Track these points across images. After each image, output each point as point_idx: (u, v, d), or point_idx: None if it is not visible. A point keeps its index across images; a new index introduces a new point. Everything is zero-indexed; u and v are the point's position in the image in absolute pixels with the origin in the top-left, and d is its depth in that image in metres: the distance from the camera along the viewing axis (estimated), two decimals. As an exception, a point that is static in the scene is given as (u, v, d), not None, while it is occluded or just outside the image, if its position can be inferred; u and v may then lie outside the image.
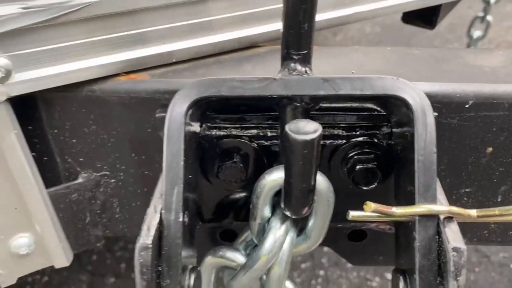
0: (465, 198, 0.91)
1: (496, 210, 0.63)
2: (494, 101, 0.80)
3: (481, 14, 2.18)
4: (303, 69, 0.70)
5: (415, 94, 0.68)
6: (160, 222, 0.67)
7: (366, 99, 0.71)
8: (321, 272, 2.54)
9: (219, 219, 0.92)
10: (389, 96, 0.68)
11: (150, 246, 0.63)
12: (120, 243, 2.67)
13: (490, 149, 0.86)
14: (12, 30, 0.70)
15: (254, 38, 0.91)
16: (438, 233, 0.66)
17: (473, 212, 0.66)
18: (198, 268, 0.74)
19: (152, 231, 0.65)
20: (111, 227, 1.00)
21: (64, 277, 2.48)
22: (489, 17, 2.19)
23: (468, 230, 0.98)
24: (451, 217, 0.66)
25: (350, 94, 0.68)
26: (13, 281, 0.95)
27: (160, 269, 0.67)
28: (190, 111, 0.70)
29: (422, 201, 0.66)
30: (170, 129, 0.69)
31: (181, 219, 0.67)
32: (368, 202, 0.64)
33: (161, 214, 0.68)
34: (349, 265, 2.59)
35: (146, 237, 0.64)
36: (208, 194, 0.88)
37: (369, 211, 0.65)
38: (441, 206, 0.65)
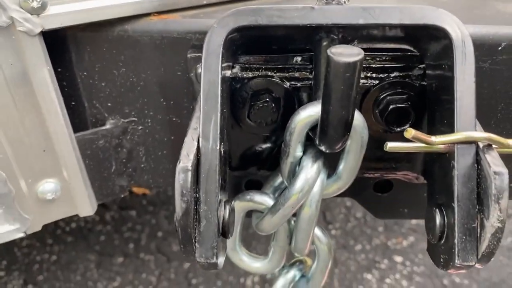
0: None
1: (537, 136, 0.63)
2: (527, 43, 0.80)
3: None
4: (342, -1, 0.70)
5: (454, 24, 0.68)
6: (198, 151, 0.67)
7: (400, 32, 0.71)
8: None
9: (246, 167, 0.92)
10: (428, 26, 0.68)
11: (190, 168, 0.63)
12: (129, 224, 2.67)
13: (521, 95, 0.85)
14: (49, -41, 0.70)
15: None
16: (477, 161, 0.65)
17: (512, 141, 0.66)
18: (233, 203, 0.74)
19: (191, 157, 0.65)
20: (136, 177, 0.99)
21: (72, 256, 2.47)
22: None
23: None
24: (491, 145, 0.66)
25: (389, 23, 0.68)
26: (39, 228, 0.95)
27: (197, 195, 0.67)
28: (227, 41, 0.69)
29: (462, 130, 0.66)
30: (208, 58, 0.68)
31: (218, 148, 0.67)
32: (409, 129, 0.64)
33: (198, 143, 0.68)
34: (357, 247, 2.59)
35: (186, 160, 0.64)
36: (236, 140, 0.88)
37: (409, 137, 0.64)
38: (480, 133, 0.65)
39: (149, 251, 2.51)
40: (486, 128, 0.89)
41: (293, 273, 0.96)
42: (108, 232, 2.62)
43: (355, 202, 3.01)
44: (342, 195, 0.99)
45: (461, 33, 0.67)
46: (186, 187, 0.63)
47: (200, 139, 0.68)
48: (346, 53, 0.61)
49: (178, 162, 0.64)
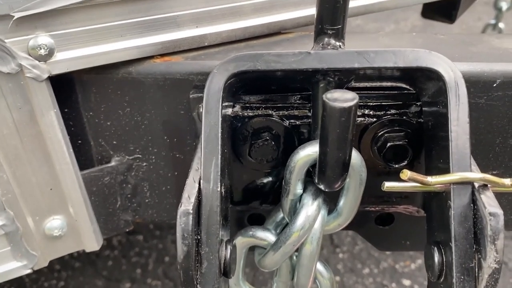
0: None
1: (531, 177, 0.64)
2: (521, 79, 0.81)
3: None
4: (337, 43, 0.72)
5: (447, 66, 0.69)
6: (199, 193, 0.69)
7: (397, 72, 0.73)
8: (337, 278, 2.52)
9: (248, 202, 0.93)
10: (422, 68, 0.70)
11: (191, 212, 0.65)
12: (136, 249, 2.68)
13: (518, 129, 0.87)
14: (55, 10, 0.73)
15: (283, 24, 0.93)
16: (473, 201, 0.66)
17: (507, 181, 0.67)
18: (233, 242, 0.75)
19: (192, 199, 0.66)
20: (140, 212, 1.01)
21: (80, 282, 2.48)
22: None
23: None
24: (486, 185, 0.67)
25: (384, 66, 0.70)
26: (45, 264, 0.97)
27: (199, 237, 0.68)
28: (227, 85, 0.72)
29: (457, 170, 0.67)
30: (209, 101, 0.71)
31: (219, 189, 0.69)
32: (405, 170, 0.66)
33: (199, 184, 0.69)
34: (365, 270, 2.57)
35: (187, 203, 0.65)
36: (238, 176, 0.90)
37: (405, 178, 0.66)
38: (475, 173, 0.66)
39: (156, 277, 2.51)
40: (485, 162, 0.91)
41: (297, 307, 0.97)
42: (115, 257, 2.63)
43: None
44: (344, 228, 1.00)
45: (454, 75, 0.69)
46: (187, 230, 0.64)
47: (201, 181, 0.69)
48: (341, 99, 0.63)
49: (180, 205, 0.65)
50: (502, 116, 0.85)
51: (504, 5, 2.34)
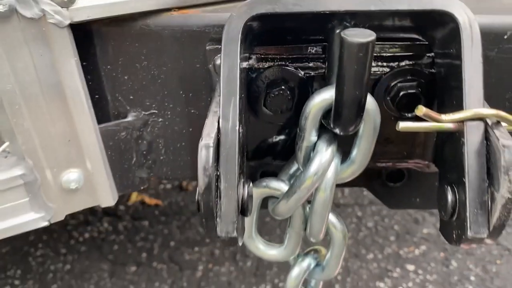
0: None
1: (544, 112, 0.66)
2: (532, 31, 0.83)
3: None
4: (354, -13, 0.74)
5: (461, 8, 0.71)
6: (218, 131, 0.71)
7: (409, 21, 0.75)
8: (341, 263, 2.54)
9: (261, 156, 0.95)
10: (436, 11, 0.72)
11: (212, 145, 0.66)
12: (141, 234, 2.69)
13: (528, 83, 0.88)
14: (79, -44, 0.75)
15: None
16: (486, 138, 0.68)
17: (520, 119, 0.68)
18: (251, 184, 0.76)
19: (212, 135, 0.68)
20: (155, 169, 1.03)
21: (85, 266, 2.50)
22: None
23: None
24: (499, 122, 0.68)
25: (399, 9, 0.72)
26: (62, 217, 0.98)
27: (218, 173, 0.70)
28: (246, 29, 0.73)
29: (471, 108, 0.69)
30: (228, 44, 0.73)
31: (237, 128, 0.71)
32: (420, 106, 0.68)
33: (218, 123, 0.71)
34: (369, 256, 2.58)
35: (208, 138, 0.67)
36: (253, 130, 0.91)
37: (420, 114, 0.67)
38: (489, 109, 0.68)
39: (162, 260, 2.52)
40: (495, 117, 0.92)
41: (308, 261, 0.98)
42: (121, 241, 2.65)
43: (366, 212, 3.02)
44: (356, 185, 1.02)
45: (468, 17, 0.71)
46: (208, 162, 0.66)
47: (221, 120, 0.71)
48: (359, 34, 0.65)
49: (200, 140, 0.67)
50: (512, 69, 0.87)
51: None
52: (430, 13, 0.73)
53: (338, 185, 0.95)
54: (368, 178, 1.02)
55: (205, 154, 0.66)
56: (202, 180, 0.66)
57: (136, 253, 2.57)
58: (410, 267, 2.51)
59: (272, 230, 2.65)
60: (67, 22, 0.79)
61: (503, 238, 2.70)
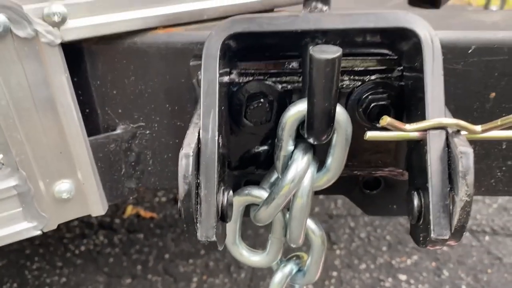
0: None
1: (499, 121, 0.71)
2: (494, 46, 0.89)
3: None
4: (324, 7, 0.80)
5: (422, 25, 0.77)
6: (198, 142, 0.76)
7: (378, 37, 0.80)
8: (334, 273, 2.57)
9: (244, 167, 1.00)
10: (400, 28, 0.77)
11: (191, 155, 0.71)
12: (136, 246, 2.73)
13: (493, 94, 0.94)
14: (69, -20, 0.81)
15: (276, 1, 1.01)
16: (447, 145, 0.73)
17: (478, 127, 0.74)
18: (230, 191, 0.81)
19: (192, 145, 0.73)
20: (143, 180, 1.08)
21: (81, 279, 2.53)
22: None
23: (476, 180, 1.04)
24: (459, 131, 0.74)
25: (366, 27, 0.77)
26: (54, 226, 1.02)
27: (198, 181, 0.75)
28: (224, 46, 0.79)
29: (432, 117, 0.74)
30: (207, 59, 0.78)
31: (216, 138, 0.76)
32: (385, 116, 0.73)
33: (199, 134, 0.76)
34: (362, 266, 2.62)
35: (188, 148, 0.72)
36: (235, 142, 0.96)
37: (385, 124, 0.72)
38: (449, 119, 0.73)
39: (157, 273, 2.55)
40: (464, 126, 0.97)
41: (290, 267, 1.03)
42: (116, 254, 2.68)
43: (358, 223, 3.05)
44: (335, 192, 1.07)
45: (429, 33, 0.77)
46: (187, 171, 0.71)
47: (201, 130, 0.76)
48: (326, 51, 0.70)
49: (181, 149, 0.72)
50: (478, 81, 0.93)
51: (493, 8, 2.45)
52: (395, 30, 0.79)
53: (318, 192, 1.00)
54: (347, 186, 1.06)
55: (185, 162, 0.71)
56: (182, 188, 0.71)
57: (131, 266, 2.60)
58: (402, 277, 2.54)
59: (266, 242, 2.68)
60: (59, 41, 0.84)
61: (494, 247, 2.74)
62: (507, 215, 2.96)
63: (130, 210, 2.98)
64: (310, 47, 0.71)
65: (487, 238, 2.80)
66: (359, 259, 2.66)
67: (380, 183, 1.05)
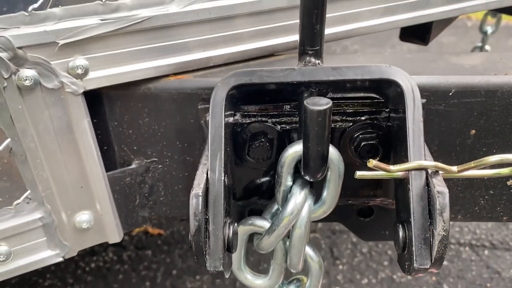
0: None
1: (472, 163, 0.80)
2: (472, 89, 0.98)
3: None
4: (317, 61, 0.90)
5: (403, 76, 0.87)
6: (207, 181, 0.86)
7: (366, 83, 0.90)
8: (329, 289, 2.65)
9: (248, 197, 1.10)
10: (384, 80, 0.87)
11: (201, 195, 0.81)
12: (145, 263, 2.82)
13: (473, 131, 1.03)
14: (91, 37, 0.92)
15: (275, 47, 1.12)
16: (427, 184, 0.83)
17: (454, 168, 0.83)
18: (235, 224, 0.91)
19: (202, 185, 0.83)
20: (156, 209, 1.17)
21: (92, 295, 2.62)
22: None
23: (461, 207, 1.14)
24: (437, 171, 0.83)
25: (353, 78, 0.87)
26: (75, 253, 1.12)
27: (207, 217, 0.84)
28: (229, 95, 0.89)
29: (414, 159, 0.84)
30: (214, 108, 0.88)
31: (222, 178, 0.85)
32: (371, 159, 0.82)
33: (207, 175, 0.86)
34: (364, 281, 2.69)
35: (198, 188, 0.82)
36: (240, 175, 1.06)
37: (371, 166, 0.82)
38: (429, 162, 0.82)
39: (165, 288, 2.64)
40: (448, 160, 1.07)
41: (291, 289, 1.12)
42: (125, 271, 2.77)
43: (360, 239, 3.12)
44: (332, 220, 1.16)
45: (410, 84, 0.86)
46: (198, 209, 0.81)
47: (209, 171, 0.86)
48: (318, 103, 0.80)
49: (192, 190, 0.82)
50: (459, 120, 1.02)
51: (489, 29, 2.55)
52: (381, 81, 0.88)
53: (317, 221, 1.10)
54: (343, 214, 1.16)
55: (195, 202, 0.81)
56: (193, 224, 0.81)
57: (140, 282, 2.69)
58: (403, 291, 2.62)
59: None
60: (81, 90, 0.95)
61: (493, 261, 2.81)
62: (506, 230, 3.03)
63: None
64: (305, 100, 0.81)
65: (486, 252, 2.87)
66: (361, 274, 2.74)
67: (373, 211, 1.14)
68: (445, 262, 2.80)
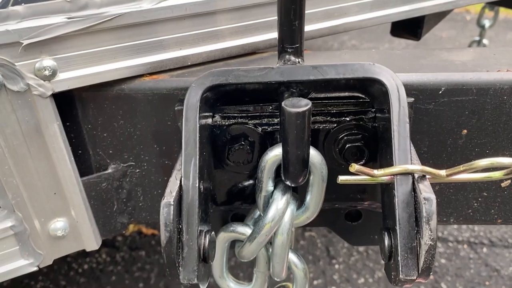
0: None
1: (461, 167, 0.75)
2: (463, 87, 0.93)
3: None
4: (297, 59, 0.85)
5: (388, 75, 0.81)
6: (180, 188, 0.81)
7: (350, 82, 0.85)
8: (333, 288, 2.60)
9: (230, 202, 1.05)
10: (367, 78, 0.82)
11: (172, 203, 0.76)
12: (138, 264, 2.77)
13: (465, 131, 0.98)
14: (58, 36, 0.87)
15: (256, 45, 1.06)
16: (414, 190, 0.77)
17: (442, 172, 0.78)
18: (212, 233, 0.86)
19: (174, 193, 0.78)
20: (135, 215, 1.13)
21: (84, 297, 2.58)
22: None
23: (454, 210, 1.09)
24: (424, 176, 0.78)
25: (335, 78, 0.82)
26: (50, 262, 1.08)
27: (180, 226, 0.79)
28: (204, 97, 0.84)
29: (399, 163, 0.79)
30: (188, 111, 0.83)
31: (197, 185, 0.80)
32: (353, 164, 0.77)
33: (180, 181, 0.81)
34: (360, 280, 2.65)
35: (169, 197, 0.77)
36: (221, 179, 1.01)
37: (353, 171, 0.77)
38: (415, 165, 0.77)
39: (158, 290, 2.60)
40: (439, 161, 1.02)
41: (276, 297, 1.07)
42: (118, 272, 2.73)
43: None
44: (319, 225, 1.11)
45: (395, 82, 0.81)
46: (169, 219, 0.76)
47: (182, 178, 0.81)
48: (297, 105, 0.75)
49: (163, 198, 0.77)
50: (450, 119, 0.97)
51: (486, 23, 2.49)
52: (363, 80, 0.83)
53: (302, 227, 1.05)
54: (330, 218, 1.11)
55: (166, 211, 0.76)
56: (164, 235, 0.76)
57: (134, 284, 2.65)
58: (400, 291, 2.57)
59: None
60: (50, 93, 0.90)
61: (491, 259, 2.77)
62: (505, 227, 2.98)
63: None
64: (283, 102, 0.75)
65: (485, 250, 2.83)
66: (358, 273, 2.70)
67: (361, 215, 1.09)
68: (443, 260, 2.75)
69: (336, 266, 2.75)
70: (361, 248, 2.87)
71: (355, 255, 2.82)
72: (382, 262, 2.69)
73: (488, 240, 2.90)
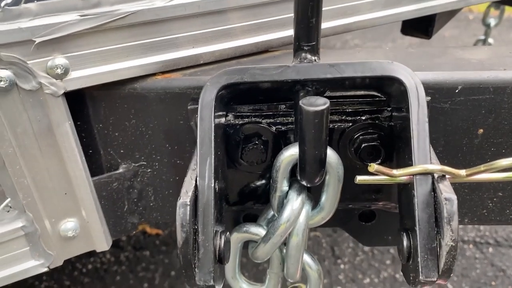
0: None
1: (482, 167, 0.74)
2: (480, 85, 0.92)
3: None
4: (313, 57, 0.83)
5: (407, 73, 0.80)
6: (195, 189, 0.79)
7: (366, 81, 0.84)
8: (339, 288, 2.59)
9: (243, 202, 1.03)
10: (385, 77, 0.81)
11: (188, 204, 0.75)
12: (143, 264, 2.76)
13: (481, 130, 0.97)
14: (70, 34, 0.85)
15: (269, 43, 1.05)
16: (433, 190, 0.76)
17: (462, 172, 0.77)
18: (227, 233, 0.85)
19: (190, 193, 0.77)
20: (146, 215, 1.11)
21: (89, 297, 2.57)
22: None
23: (468, 210, 1.08)
24: (444, 175, 0.77)
25: (353, 76, 0.81)
26: (60, 263, 1.06)
27: (196, 227, 0.78)
28: (219, 96, 0.83)
29: (419, 163, 0.77)
30: (203, 110, 0.82)
31: (212, 185, 0.79)
32: (372, 164, 0.76)
33: (196, 181, 0.80)
34: (366, 280, 2.64)
35: (185, 197, 0.76)
36: (233, 179, 1.00)
37: (372, 170, 0.76)
38: (435, 165, 0.76)
39: (163, 290, 2.59)
40: (455, 161, 1.01)
41: (289, 298, 1.06)
42: (123, 272, 2.72)
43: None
44: (331, 225, 1.10)
45: (414, 81, 0.80)
46: (185, 219, 0.75)
47: (198, 178, 0.80)
48: (315, 104, 0.74)
49: (179, 199, 0.76)
50: (466, 118, 0.96)
51: (492, 22, 2.48)
52: (381, 78, 0.82)
53: (316, 227, 1.03)
54: (343, 218, 1.10)
55: (182, 211, 0.75)
56: (180, 236, 0.74)
57: (138, 284, 2.64)
58: (406, 291, 2.56)
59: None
60: (62, 91, 0.89)
61: (497, 259, 2.75)
62: (511, 227, 2.97)
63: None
64: (300, 101, 0.74)
65: (490, 250, 2.81)
66: (363, 273, 2.68)
67: (375, 215, 1.08)
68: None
69: (342, 266, 2.74)
70: (366, 248, 2.85)
71: (360, 255, 2.81)
72: (387, 262, 2.68)
73: (494, 240, 2.89)
